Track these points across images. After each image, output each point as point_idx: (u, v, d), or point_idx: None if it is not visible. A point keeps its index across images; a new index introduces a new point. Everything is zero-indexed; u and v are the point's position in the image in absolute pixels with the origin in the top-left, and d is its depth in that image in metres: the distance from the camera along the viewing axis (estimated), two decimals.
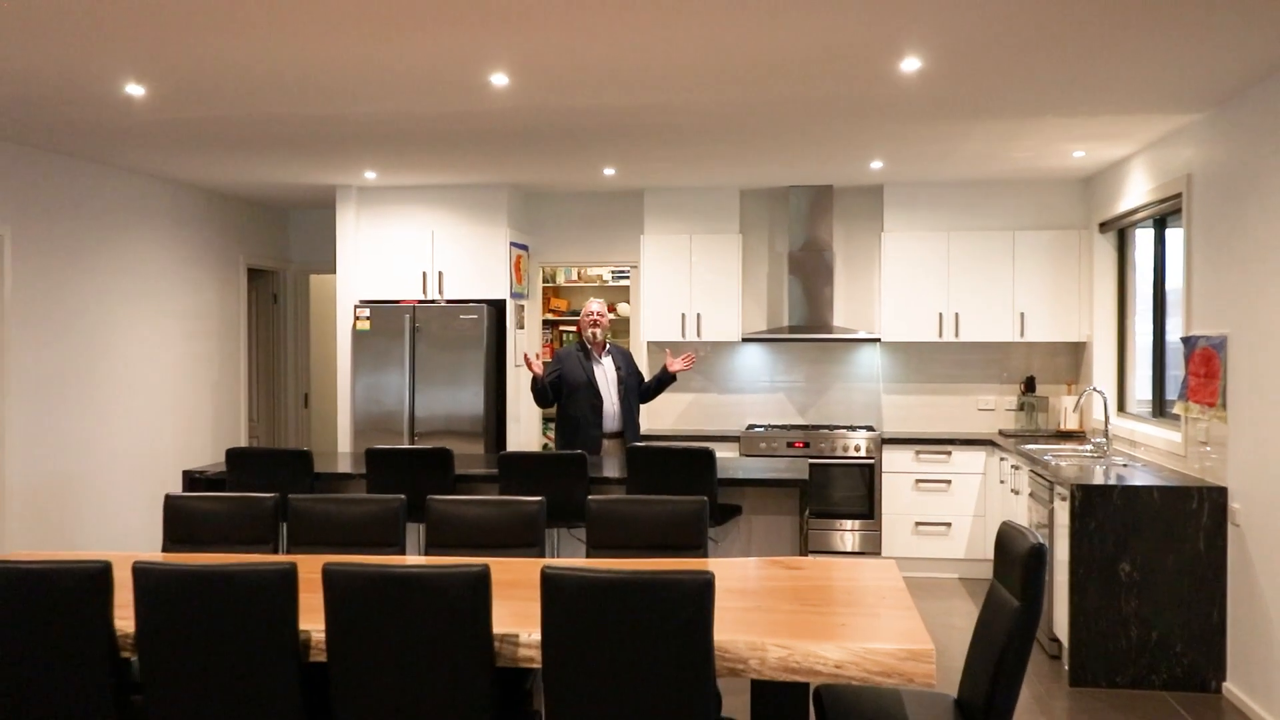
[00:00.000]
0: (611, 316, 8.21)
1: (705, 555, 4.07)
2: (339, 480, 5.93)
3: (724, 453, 7.70)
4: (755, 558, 3.98)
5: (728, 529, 5.70)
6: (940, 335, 7.81)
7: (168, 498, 4.30)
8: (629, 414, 6.71)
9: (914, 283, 7.81)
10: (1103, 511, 5.17)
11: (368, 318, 7.85)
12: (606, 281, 9.82)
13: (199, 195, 8.12)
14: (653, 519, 4.10)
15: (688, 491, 5.23)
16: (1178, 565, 5.12)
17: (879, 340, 7.93)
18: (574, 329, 9.90)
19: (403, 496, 4.14)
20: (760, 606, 3.23)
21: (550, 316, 9.89)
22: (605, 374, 6.62)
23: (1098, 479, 5.41)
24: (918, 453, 7.59)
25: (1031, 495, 6.14)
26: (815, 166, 7.21)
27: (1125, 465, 5.99)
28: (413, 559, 4.01)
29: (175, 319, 7.83)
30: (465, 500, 4.17)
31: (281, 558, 3.63)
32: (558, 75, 4.62)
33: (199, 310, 8.14)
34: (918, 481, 7.59)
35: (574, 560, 4.18)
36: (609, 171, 7.30)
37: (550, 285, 9.94)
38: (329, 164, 7.03)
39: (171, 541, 4.26)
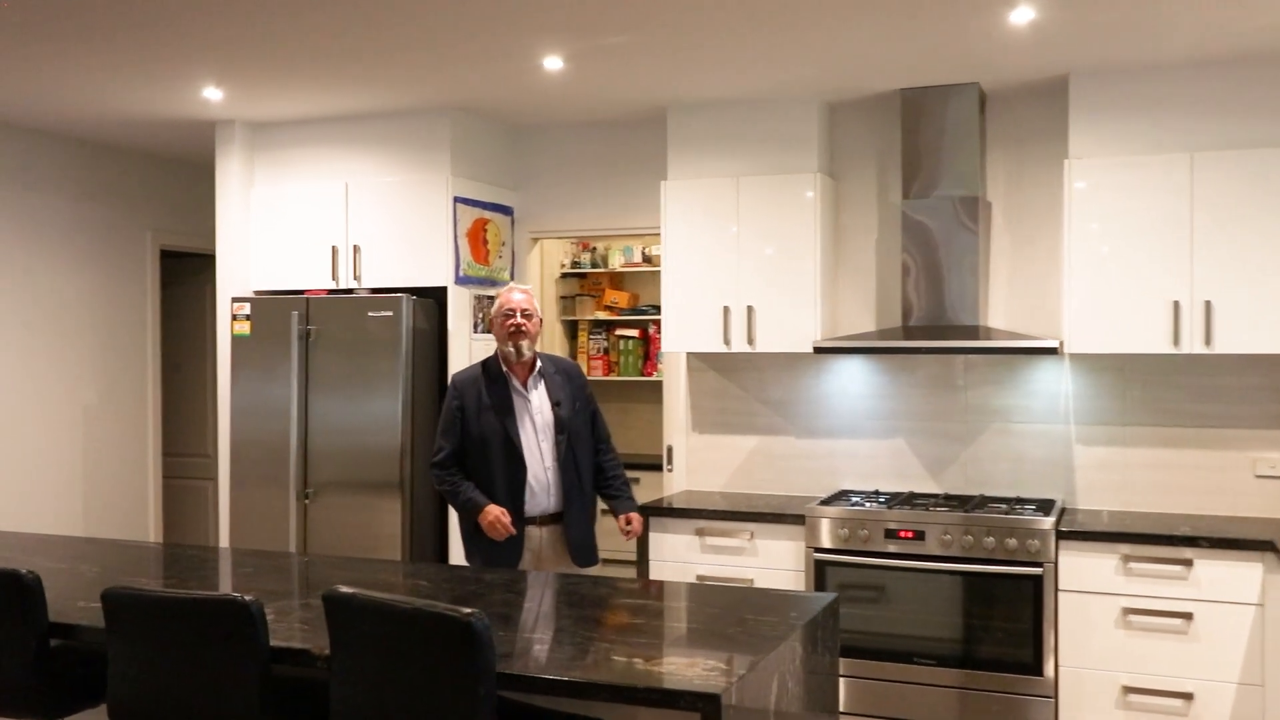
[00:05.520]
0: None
1: None
2: None
3: (775, 543, 4.54)
4: None
5: None
6: (1176, 344, 4.29)
7: None
8: (571, 480, 3.82)
9: (1126, 249, 4.34)
10: None
11: (247, 317, 5.25)
12: None
13: (59, 144, 5.78)
14: None
15: (435, 698, 2.24)
16: None
17: (1064, 352, 4.50)
18: (636, 334, 6.96)
19: None
20: None
21: (602, 315, 6.98)
22: (533, 416, 3.79)
23: None
24: (1127, 558, 4.13)
25: None
26: (927, 22, 3.93)
27: None
28: None
29: (18, 317, 5.52)
30: None
31: None
32: None
33: (62, 308, 5.80)
34: (1128, 612, 4.13)
35: None
36: (553, 64, 4.29)
37: (601, 270, 7.02)
38: (130, 65, 4.45)
39: None
